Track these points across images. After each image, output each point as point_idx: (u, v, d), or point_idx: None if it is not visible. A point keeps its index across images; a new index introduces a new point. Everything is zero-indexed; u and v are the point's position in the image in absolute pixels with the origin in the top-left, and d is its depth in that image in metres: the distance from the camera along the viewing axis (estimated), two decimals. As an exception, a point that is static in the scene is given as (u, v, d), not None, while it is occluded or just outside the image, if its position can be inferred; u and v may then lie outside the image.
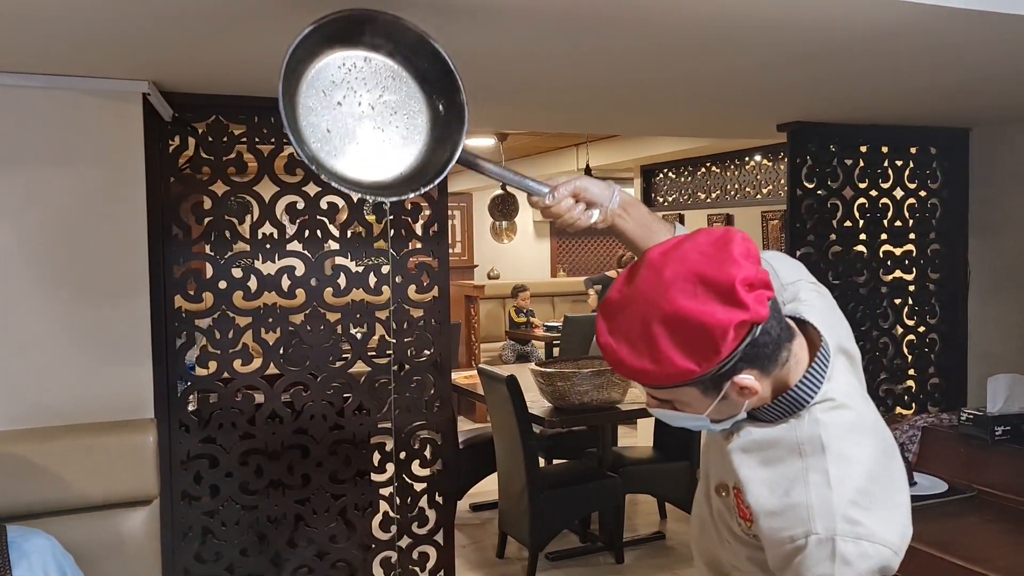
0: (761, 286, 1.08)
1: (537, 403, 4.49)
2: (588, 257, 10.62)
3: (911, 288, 3.17)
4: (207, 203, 2.36)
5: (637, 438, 5.94)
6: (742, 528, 1.22)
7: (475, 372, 5.46)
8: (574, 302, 9.05)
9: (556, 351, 7.56)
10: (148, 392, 2.21)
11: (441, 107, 1.33)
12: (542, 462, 4.84)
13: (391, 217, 2.51)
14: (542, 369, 4.42)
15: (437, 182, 1.30)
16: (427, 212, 2.57)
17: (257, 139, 2.35)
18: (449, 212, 2.67)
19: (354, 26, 1.25)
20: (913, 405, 3.18)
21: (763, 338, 1.09)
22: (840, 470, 1.12)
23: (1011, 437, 2.43)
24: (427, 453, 2.60)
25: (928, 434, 2.63)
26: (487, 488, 5.08)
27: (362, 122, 1.29)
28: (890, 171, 3.11)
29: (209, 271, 2.35)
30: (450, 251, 5.97)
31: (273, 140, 2.37)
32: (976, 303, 3.17)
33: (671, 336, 1.07)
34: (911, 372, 3.19)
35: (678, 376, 1.08)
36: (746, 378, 1.10)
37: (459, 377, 5.71)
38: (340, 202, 2.46)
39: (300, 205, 2.42)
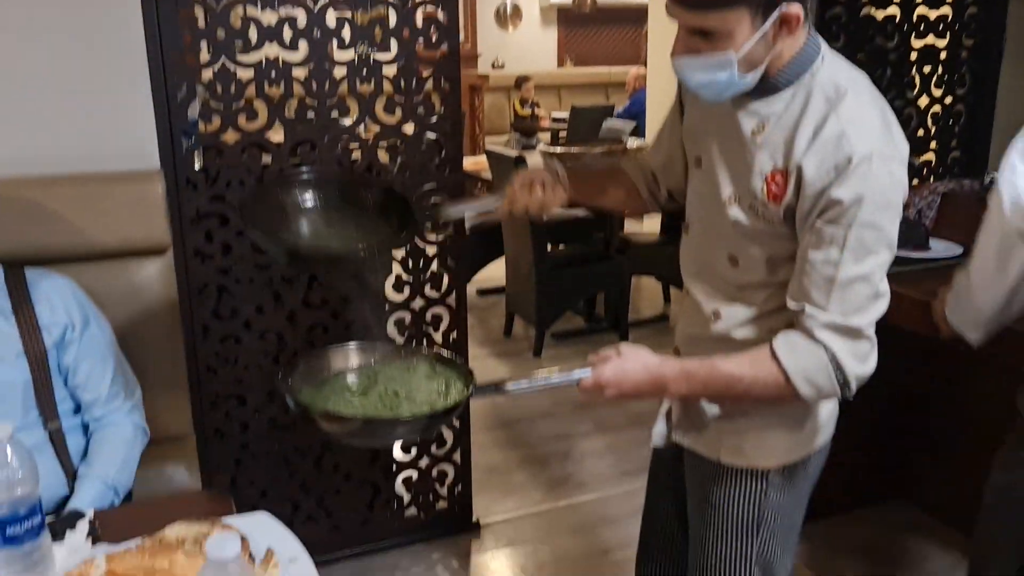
0: None
1: (545, 185, 4.44)
2: (597, 46, 10.14)
3: (942, 55, 3.01)
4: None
5: (642, 227, 5.95)
6: (770, 215, 1.28)
7: (480, 158, 5.38)
8: (582, 93, 8.79)
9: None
10: (152, 145, 2.14)
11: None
12: (549, 248, 4.86)
13: (396, -35, 2.33)
14: (551, 150, 4.34)
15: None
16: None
17: None
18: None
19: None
20: (931, 179, 3.13)
21: None
22: (863, 100, 1.24)
23: (1034, 199, 2.39)
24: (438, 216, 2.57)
25: (948, 200, 2.59)
26: (494, 275, 5.15)
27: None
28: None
29: (204, 20, 2.21)
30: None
31: None
32: (1009, 71, 3.03)
33: None
34: (932, 145, 3.11)
35: None
36: (794, 6, 1.17)
37: (465, 163, 5.63)
38: (341, -54, 2.28)
39: (298, -53, 2.24)
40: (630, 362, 1.28)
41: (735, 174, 1.32)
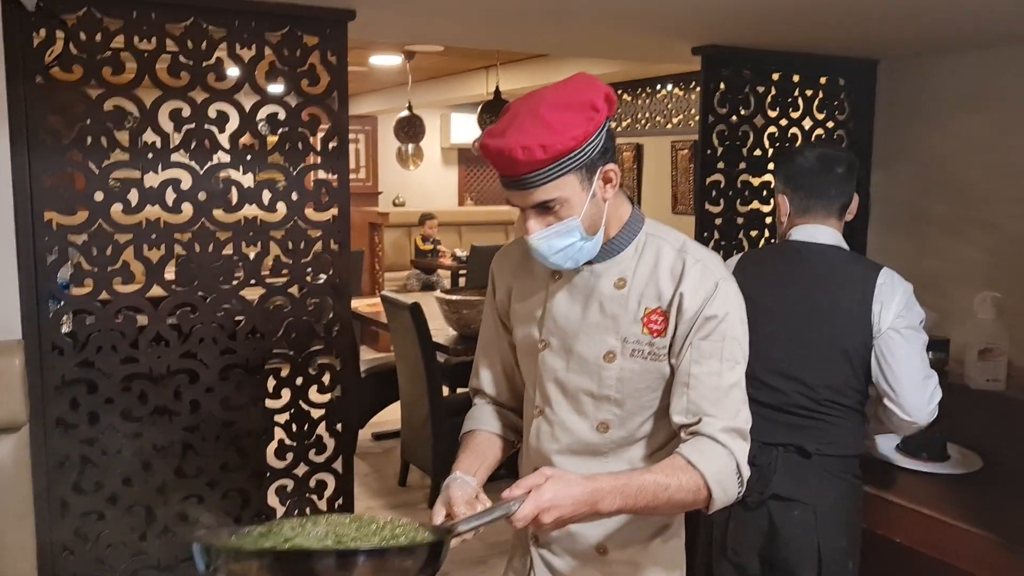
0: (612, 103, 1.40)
1: (442, 331, 4.43)
2: (497, 186, 10.45)
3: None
4: (79, 106, 2.13)
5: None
6: (657, 349, 1.44)
7: (378, 300, 5.34)
8: (482, 231, 8.95)
9: (462, 281, 7.48)
10: (14, 312, 2.03)
11: None
12: (446, 391, 4.80)
13: (286, 129, 2.34)
14: (447, 296, 4.35)
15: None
16: (326, 126, 2.41)
17: (137, 37, 2.14)
18: (352, 136, 2.51)
19: None
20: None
21: (612, 135, 1.42)
22: (697, 244, 1.50)
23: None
24: (325, 379, 2.49)
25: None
26: (390, 418, 5.03)
27: None
28: (800, 100, 3.10)
29: (83, 182, 2.15)
30: (354, 177, 5.73)
31: (155, 39, 2.16)
32: (875, 235, 3.23)
33: (556, 111, 1.33)
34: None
35: (570, 141, 1.32)
36: (610, 166, 1.40)
37: (362, 305, 5.58)
38: (231, 111, 2.28)
39: (186, 112, 2.22)
40: (562, 481, 1.26)
41: (605, 331, 1.46)
